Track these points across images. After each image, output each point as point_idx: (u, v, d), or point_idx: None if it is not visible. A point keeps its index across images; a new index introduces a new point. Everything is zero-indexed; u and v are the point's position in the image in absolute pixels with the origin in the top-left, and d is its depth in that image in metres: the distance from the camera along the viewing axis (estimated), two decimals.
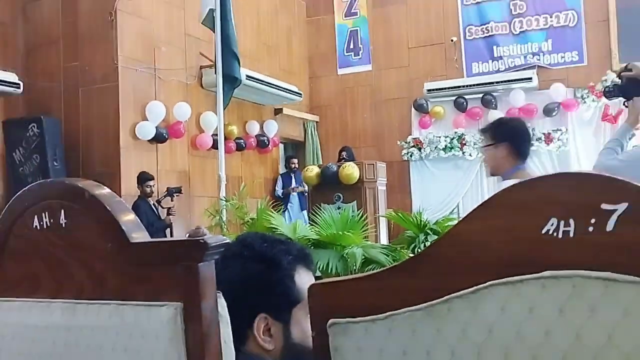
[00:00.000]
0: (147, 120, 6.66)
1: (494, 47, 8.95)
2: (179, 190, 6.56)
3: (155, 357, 0.85)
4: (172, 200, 6.49)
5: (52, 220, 0.98)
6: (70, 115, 6.54)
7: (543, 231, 0.62)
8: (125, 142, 6.46)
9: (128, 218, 0.93)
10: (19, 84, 6.15)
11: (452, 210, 8.49)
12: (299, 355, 1.04)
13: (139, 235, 0.91)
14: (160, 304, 0.85)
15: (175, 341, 0.84)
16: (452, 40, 9.07)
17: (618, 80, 2.66)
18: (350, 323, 0.72)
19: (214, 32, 6.23)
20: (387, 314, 0.69)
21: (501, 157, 2.88)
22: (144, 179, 6.32)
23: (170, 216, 6.42)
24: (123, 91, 6.46)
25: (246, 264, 1.09)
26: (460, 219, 0.67)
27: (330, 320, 0.73)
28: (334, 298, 0.74)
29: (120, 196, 6.13)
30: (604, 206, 0.59)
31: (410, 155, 9.09)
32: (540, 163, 8.48)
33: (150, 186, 6.31)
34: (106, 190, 0.97)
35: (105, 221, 0.92)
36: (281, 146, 9.42)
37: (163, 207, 6.46)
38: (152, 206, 6.40)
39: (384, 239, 6.87)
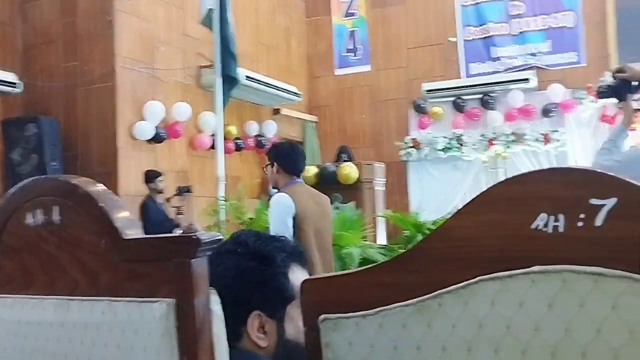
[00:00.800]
0: (146, 120, 6.66)
1: (492, 48, 8.96)
2: (189, 189, 6.54)
3: (148, 353, 0.85)
4: (182, 200, 6.46)
5: (45, 217, 0.98)
6: (68, 115, 6.54)
7: (533, 226, 0.62)
8: (123, 142, 6.45)
9: (121, 215, 0.93)
10: (17, 84, 6.15)
11: (450, 211, 8.49)
12: (293, 351, 1.04)
13: (132, 231, 0.91)
14: (153, 300, 0.85)
15: (168, 337, 0.84)
16: (450, 41, 9.08)
17: (612, 81, 2.68)
18: (341, 318, 0.72)
19: (212, 32, 6.23)
20: (378, 309, 0.69)
21: (275, 174, 3.59)
22: (152, 176, 6.28)
23: (180, 215, 6.36)
24: (121, 91, 6.46)
25: (240, 261, 1.09)
26: (451, 214, 0.67)
27: (322, 316, 0.73)
28: (326, 294, 0.75)
29: (118, 196, 6.12)
30: (593, 201, 0.59)
31: (409, 156, 9.10)
32: (539, 163, 8.49)
33: (161, 182, 6.28)
34: (99, 187, 0.97)
35: (98, 218, 0.92)
36: None
37: (173, 207, 6.42)
38: (160, 205, 6.36)
39: (382, 239, 6.88)
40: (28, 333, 0.97)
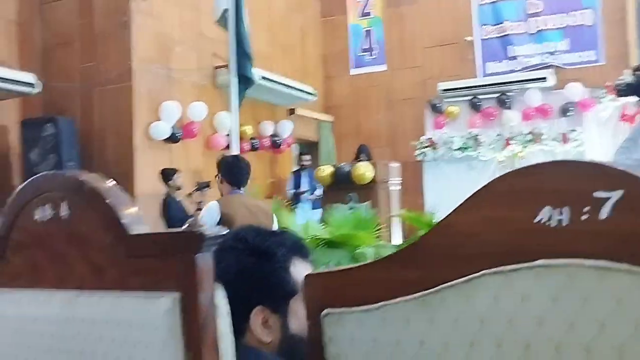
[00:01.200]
0: (162, 120, 6.71)
1: (510, 47, 8.88)
2: (208, 185, 6.58)
3: (153, 348, 0.86)
4: (201, 195, 6.49)
5: (53, 213, 0.98)
6: (85, 115, 6.60)
7: (536, 220, 0.61)
8: (139, 142, 6.50)
9: (127, 211, 0.94)
10: (36, 84, 6.22)
11: None
12: (297, 346, 1.04)
13: (138, 227, 0.91)
14: (158, 294, 0.86)
15: (174, 332, 0.84)
16: (466, 40, 9.02)
17: (632, 79, 2.64)
18: (344, 313, 0.71)
19: (227, 32, 6.26)
20: (381, 304, 0.68)
21: (221, 184, 4.12)
22: (169, 174, 6.34)
23: (200, 211, 6.38)
24: (137, 91, 6.51)
25: (240, 257, 1.09)
26: (453, 208, 0.67)
27: (325, 311, 0.73)
28: (329, 288, 0.74)
29: (134, 196, 6.15)
30: (598, 194, 0.58)
31: (424, 156, 9.05)
32: None
33: (179, 178, 6.34)
34: (107, 183, 0.97)
35: (105, 213, 0.92)
36: (295, 146, 9.43)
37: (193, 202, 6.46)
38: (180, 203, 6.41)
39: (398, 239, 6.85)
40: (35, 329, 0.98)
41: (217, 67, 7.52)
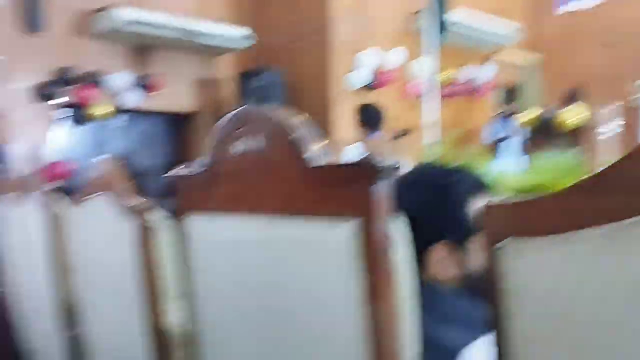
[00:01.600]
0: (358, 69, 6.84)
1: None
2: (405, 133, 6.65)
3: (334, 269, 0.91)
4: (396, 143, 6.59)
5: (249, 145, 1.07)
6: (290, 66, 6.98)
7: None
8: (337, 91, 6.72)
9: (313, 146, 0.99)
10: (249, 38, 6.78)
11: None
12: (475, 283, 1.02)
13: (322, 160, 0.96)
14: (340, 221, 0.90)
15: (352, 257, 0.88)
16: None
17: None
18: (525, 244, 0.67)
19: None
20: (565, 235, 0.63)
21: (359, 128, 4.85)
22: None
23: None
24: (336, 41, 6.70)
25: (422, 192, 1.09)
26: None
27: (505, 241, 0.69)
28: (510, 219, 0.70)
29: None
30: None
31: None
32: None
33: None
34: (295, 118, 1.03)
35: (293, 147, 0.98)
36: (497, 91, 8.99)
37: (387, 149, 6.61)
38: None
39: None
40: (236, 250, 1.09)
41: (414, 13, 7.40)
